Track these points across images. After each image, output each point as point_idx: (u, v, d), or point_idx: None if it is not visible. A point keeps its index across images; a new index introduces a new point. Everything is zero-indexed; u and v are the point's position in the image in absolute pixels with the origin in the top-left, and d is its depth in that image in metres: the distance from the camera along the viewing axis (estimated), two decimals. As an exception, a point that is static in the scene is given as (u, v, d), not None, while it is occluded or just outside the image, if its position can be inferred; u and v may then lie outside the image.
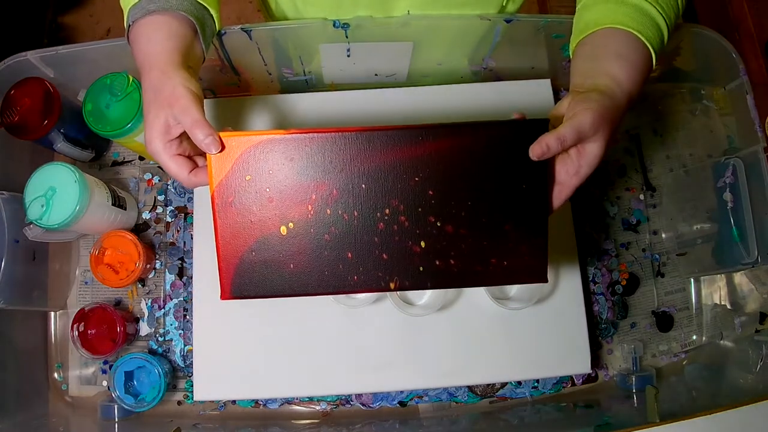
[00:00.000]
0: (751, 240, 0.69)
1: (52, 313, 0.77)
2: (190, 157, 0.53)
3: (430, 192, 0.50)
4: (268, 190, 0.50)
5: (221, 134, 0.50)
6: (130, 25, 0.54)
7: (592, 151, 0.50)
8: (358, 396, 0.74)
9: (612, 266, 0.79)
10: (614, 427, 0.64)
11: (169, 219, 0.78)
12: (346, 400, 0.74)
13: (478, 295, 0.70)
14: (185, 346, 0.74)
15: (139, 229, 0.78)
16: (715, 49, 0.73)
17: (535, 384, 0.75)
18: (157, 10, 0.53)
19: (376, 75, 0.80)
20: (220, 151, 0.50)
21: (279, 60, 0.76)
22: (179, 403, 0.74)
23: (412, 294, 0.72)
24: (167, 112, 0.50)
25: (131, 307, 0.76)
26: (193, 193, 0.73)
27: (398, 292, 0.71)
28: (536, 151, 0.49)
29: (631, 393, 0.73)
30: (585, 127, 0.48)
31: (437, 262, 0.51)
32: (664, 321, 0.78)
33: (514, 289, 0.72)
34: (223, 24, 0.64)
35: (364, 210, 0.50)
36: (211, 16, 0.59)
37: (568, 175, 0.52)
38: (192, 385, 0.71)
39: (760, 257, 0.68)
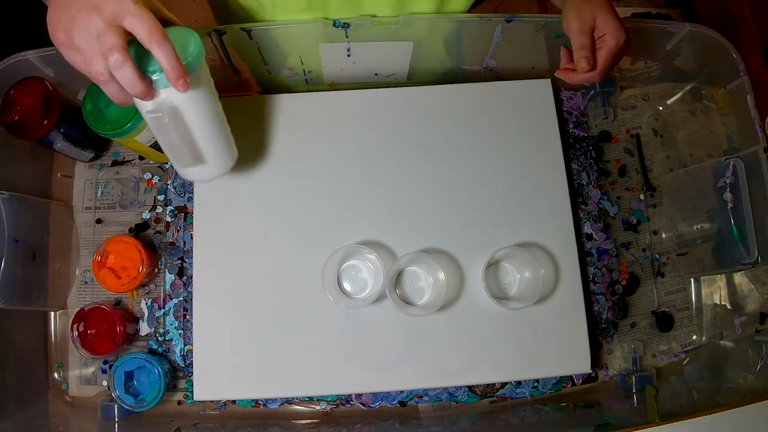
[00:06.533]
0: (751, 240, 0.69)
1: (52, 313, 0.77)
2: None
3: None
4: None
5: None
6: None
7: (601, 24, 0.60)
8: (358, 396, 0.74)
9: (612, 266, 0.79)
10: (614, 427, 0.63)
11: (169, 219, 0.78)
12: (346, 400, 0.74)
13: (478, 295, 0.70)
14: (185, 346, 0.74)
15: (139, 229, 0.78)
16: (715, 49, 0.73)
17: (535, 384, 0.75)
18: None
19: (376, 75, 0.80)
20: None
21: (279, 60, 0.76)
22: (179, 403, 0.74)
23: (412, 294, 0.72)
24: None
25: (131, 307, 0.76)
26: (193, 193, 0.74)
27: (398, 292, 0.71)
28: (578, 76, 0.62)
29: (631, 393, 0.73)
30: (580, 22, 0.60)
31: None
32: (664, 321, 0.78)
33: (514, 289, 0.72)
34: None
35: None
36: None
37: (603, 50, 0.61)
38: (192, 385, 0.71)
39: (760, 257, 0.68)
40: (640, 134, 0.84)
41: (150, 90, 0.50)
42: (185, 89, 0.50)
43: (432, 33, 0.74)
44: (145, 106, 0.54)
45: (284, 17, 0.70)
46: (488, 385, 0.75)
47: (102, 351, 0.70)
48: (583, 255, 0.77)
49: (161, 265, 0.76)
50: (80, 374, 0.75)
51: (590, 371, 0.72)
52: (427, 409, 0.75)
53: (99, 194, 0.79)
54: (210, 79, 0.58)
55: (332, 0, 0.66)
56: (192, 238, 0.74)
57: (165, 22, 0.53)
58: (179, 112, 0.55)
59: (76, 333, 0.70)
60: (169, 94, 0.53)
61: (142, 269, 0.71)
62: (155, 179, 0.79)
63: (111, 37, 0.45)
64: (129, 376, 0.70)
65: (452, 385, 0.72)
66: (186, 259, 0.76)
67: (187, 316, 0.75)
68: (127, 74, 0.47)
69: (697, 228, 0.77)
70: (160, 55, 0.47)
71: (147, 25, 0.46)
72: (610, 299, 0.77)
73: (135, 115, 0.65)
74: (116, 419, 0.70)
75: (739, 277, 0.79)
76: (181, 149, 0.58)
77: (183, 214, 0.78)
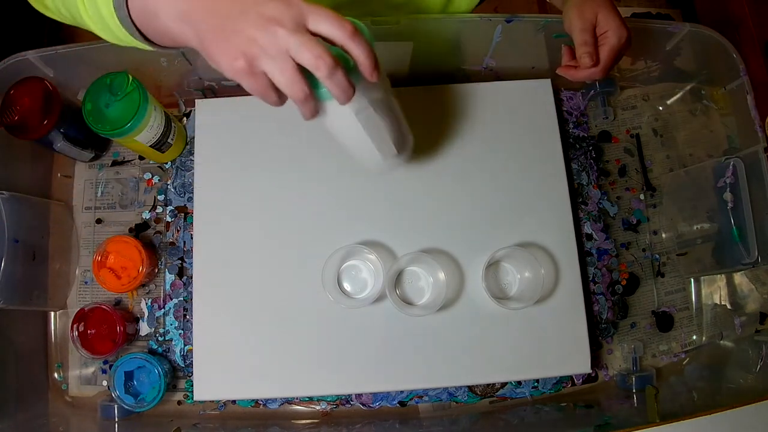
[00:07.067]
0: (751, 240, 0.69)
1: (52, 313, 0.77)
2: None
3: None
4: None
5: None
6: None
7: (603, 21, 0.61)
8: (358, 396, 0.74)
9: (612, 266, 0.79)
10: (614, 427, 0.64)
11: (169, 219, 0.78)
12: (346, 400, 0.74)
13: (478, 295, 0.70)
14: (185, 346, 0.74)
15: (139, 229, 0.78)
16: (715, 49, 0.73)
17: (535, 384, 0.75)
18: None
19: (376, 75, 0.80)
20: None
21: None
22: (179, 403, 0.74)
23: (412, 294, 0.72)
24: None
25: (131, 307, 0.76)
26: (193, 193, 0.73)
27: (398, 292, 0.71)
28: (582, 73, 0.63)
29: (631, 393, 0.73)
30: (582, 19, 0.61)
31: None
32: (664, 321, 0.78)
33: (514, 289, 0.72)
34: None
35: None
36: None
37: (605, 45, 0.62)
38: (192, 385, 0.71)
39: (760, 257, 0.68)
40: (640, 134, 0.84)
41: (353, 90, 0.44)
42: (378, 78, 0.45)
43: (432, 33, 0.74)
44: (348, 110, 0.50)
45: None
46: (488, 385, 0.75)
47: (102, 351, 0.70)
48: (583, 255, 0.77)
49: (161, 265, 0.76)
50: (80, 374, 0.75)
51: (590, 371, 0.72)
52: (427, 409, 0.75)
53: (99, 194, 0.79)
54: None
55: (342, 3, 0.66)
56: (192, 238, 0.74)
57: None
58: (377, 100, 0.52)
59: (76, 333, 0.70)
60: (361, 88, 0.48)
61: (142, 269, 0.71)
62: (155, 179, 0.79)
63: (310, 45, 0.40)
64: (129, 376, 0.70)
65: (452, 385, 0.72)
66: (186, 259, 0.76)
67: (187, 316, 0.75)
68: (340, 78, 0.42)
69: (697, 228, 0.77)
70: (359, 50, 0.42)
71: (337, 21, 0.41)
72: (610, 299, 0.77)
73: (135, 115, 0.65)
74: (116, 419, 0.70)
75: (739, 277, 0.79)
76: (387, 138, 0.56)
77: (183, 214, 0.78)
